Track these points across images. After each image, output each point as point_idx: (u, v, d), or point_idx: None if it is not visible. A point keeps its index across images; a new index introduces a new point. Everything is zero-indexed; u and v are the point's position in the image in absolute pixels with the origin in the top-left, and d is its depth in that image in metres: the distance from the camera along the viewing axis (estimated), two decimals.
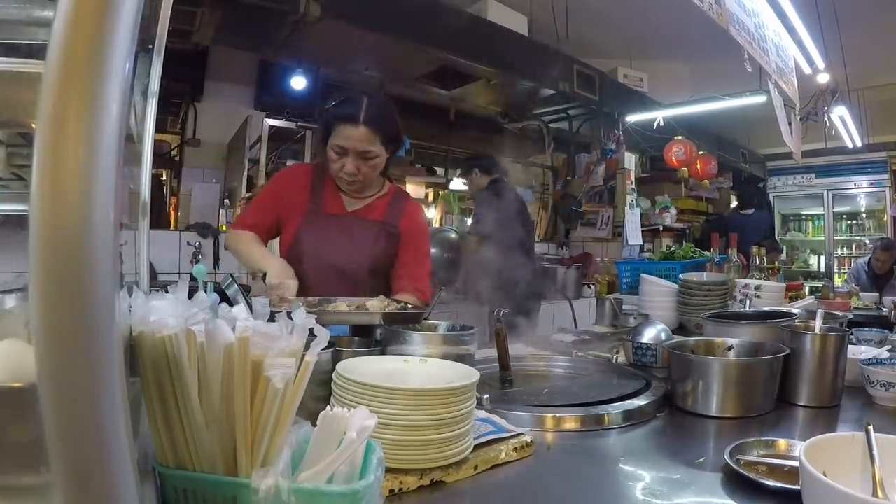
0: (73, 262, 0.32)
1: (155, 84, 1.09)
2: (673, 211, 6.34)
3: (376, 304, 1.41)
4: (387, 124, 1.70)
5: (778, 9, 2.93)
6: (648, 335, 1.54)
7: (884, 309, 3.07)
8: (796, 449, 0.87)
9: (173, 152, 4.52)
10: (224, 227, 4.17)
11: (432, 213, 5.98)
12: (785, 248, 8.46)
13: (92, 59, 0.33)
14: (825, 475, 0.66)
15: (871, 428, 0.75)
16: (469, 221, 5.92)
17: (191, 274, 1.10)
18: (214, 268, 3.65)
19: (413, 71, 4.33)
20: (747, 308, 1.98)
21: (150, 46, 1.09)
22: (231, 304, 0.70)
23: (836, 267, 7.97)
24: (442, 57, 3.93)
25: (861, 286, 5.03)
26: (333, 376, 0.90)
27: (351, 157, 1.67)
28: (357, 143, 1.65)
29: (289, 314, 0.66)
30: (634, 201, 5.44)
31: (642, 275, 2.35)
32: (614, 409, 1.15)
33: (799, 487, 0.71)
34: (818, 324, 1.38)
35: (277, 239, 1.87)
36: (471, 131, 6.03)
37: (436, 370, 0.98)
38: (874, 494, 0.70)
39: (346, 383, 0.85)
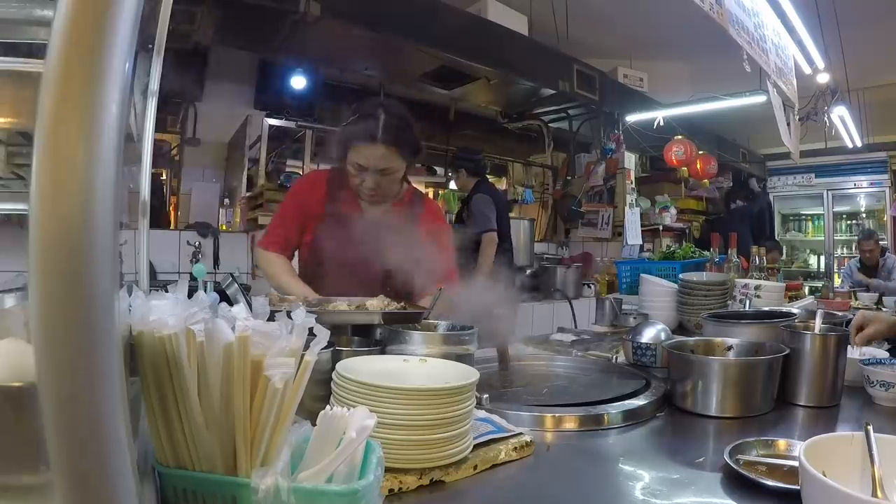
0: (73, 261, 0.32)
1: (155, 84, 1.09)
2: (673, 211, 6.35)
3: (376, 304, 1.41)
4: (405, 139, 1.69)
5: (778, 8, 2.93)
6: (648, 335, 1.54)
7: (884, 309, 3.07)
8: (796, 449, 0.87)
9: (173, 152, 4.52)
10: (224, 227, 4.17)
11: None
12: (785, 247, 8.48)
13: (92, 59, 0.33)
14: (824, 475, 0.66)
15: (870, 428, 0.75)
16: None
17: (191, 273, 1.10)
18: (214, 267, 3.65)
19: (413, 71, 4.32)
20: (747, 308, 1.98)
21: (150, 46, 1.09)
22: (231, 304, 0.70)
23: (835, 267, 7.97)
24: (442, 57, 3.93)
25: (855, 283, 5.04)
26: (333, 376, 0.90)
27: (370, 175, 1.68)
28: (376, 161, 1.66)
29: (288, 314, 0.66)
30: (634, 201, 5.43)
31: (642, 275, 2.35)
32: (614, 409, 1.15)
33: (798, 487, 0.71)
34: (818, 324, 1.38)
35: None
36: (471, 131, 6.03)
37: (436, 370, 0.98)
38: (874, 494, 0.70)
39: (345, 383, 0.85)
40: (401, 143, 1.68)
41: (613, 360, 1.59)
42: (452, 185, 6.14)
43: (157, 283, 1.80)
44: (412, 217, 1.84)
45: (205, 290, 0.74)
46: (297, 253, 1.88)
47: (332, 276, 1.71)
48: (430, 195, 6.23)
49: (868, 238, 5.48)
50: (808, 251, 8.66)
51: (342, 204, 1.80)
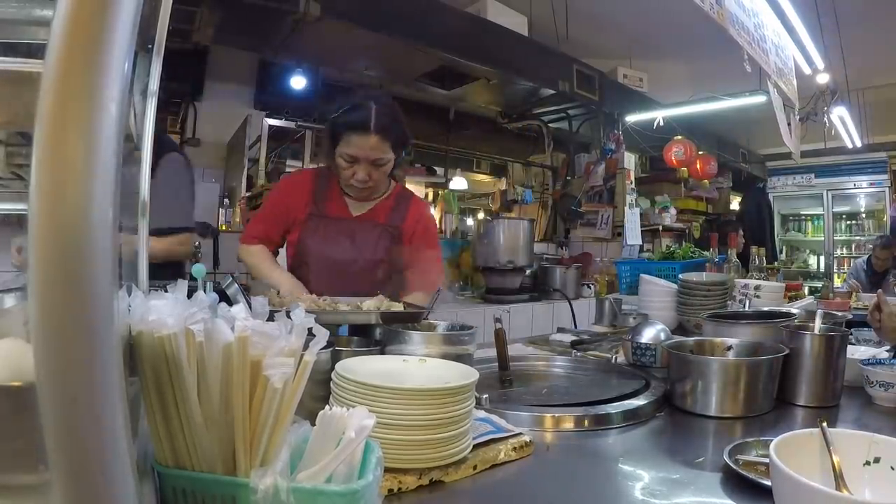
0: (72, 261, 0.32)
1: (155, 84, 1.09)
2: (672, 211, 6.34)
3: (373, 304, 1.41)
4: (396, 129, 1.70)
5: (777, 9, 2.94)
6: (648, 335, 1.54)
7: None
8: None
9: None
10: (224, 227, 4.17)
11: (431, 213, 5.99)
12: (785, 248, 8.49)
13: (91, 59, 0.33)
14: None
15: (825, 424, 0.77)
16: (468, 222, 5.91)
17: (190, 273, 1.10)
18: (214, 267, 3.65)
19: (413, 71, 4.33)
20: (747, 308, 1.98)
21: (150, 46, 1.08)
22: (231, 304, 0.70)
23: (835, 267, 7.97)
24: (442, 57, 3.93)
25: (860, 285, 5.03)
26: (332, 376, 0.90)
27: (362, 166, 1.68)
28: (369, 152, 1.66)
29: (288, 314, 0.66)
30: (634, 201, 5.43)
31: (642, 275, 2.34)
32: (614, 409, 1.15)
33: None
34: (818, 324, 1.38)
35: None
36: (471, 131, 6.03)
37: (435, 370, 0.98)
38: (837, 488, 0.71)
39: (345, 383, 0.85)
40: (392, 133, 1.69)
41: (613, 360, 1.59)
42: (452, 184, 6.14)
43: (157, 284, 1.80)
44: (397, 216, 1.84)
45: (204, 290, 0.74)
46: (284, 252, 1.88)
47: (317, 275, 1.71)
48: (430, 195, 6.23)
49: (885, 247, 5.47)
50: (807, 251, 8.66)
51: (328, 203, 1.80)
